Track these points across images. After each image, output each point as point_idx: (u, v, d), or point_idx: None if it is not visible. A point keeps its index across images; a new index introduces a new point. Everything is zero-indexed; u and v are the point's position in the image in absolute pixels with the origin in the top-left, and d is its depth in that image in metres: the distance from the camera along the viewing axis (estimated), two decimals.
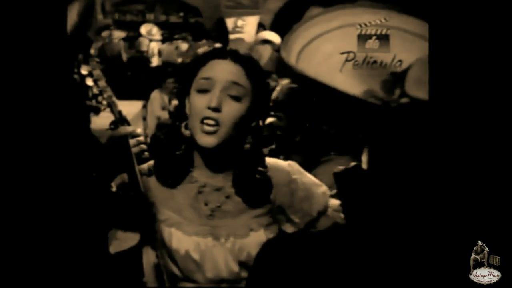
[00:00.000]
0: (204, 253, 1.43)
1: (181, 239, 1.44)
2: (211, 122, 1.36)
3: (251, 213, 1.45)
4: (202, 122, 1.37)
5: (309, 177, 1.51)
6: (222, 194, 1.45)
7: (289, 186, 1.46)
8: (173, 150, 1.46)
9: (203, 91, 1.39)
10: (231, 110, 1.37)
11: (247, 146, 1.44)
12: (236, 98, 1.38)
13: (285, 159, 1.72)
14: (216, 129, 1.36)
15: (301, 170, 1.51)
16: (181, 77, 1.54)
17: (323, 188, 1.50)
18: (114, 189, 1.50)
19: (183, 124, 1.45)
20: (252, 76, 1.41)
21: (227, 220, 1.44)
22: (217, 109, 1.36)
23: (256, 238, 1.41)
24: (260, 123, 1.49)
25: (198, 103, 1.39)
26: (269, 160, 1.49)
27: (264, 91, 1.47)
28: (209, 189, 1.46)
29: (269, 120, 2.10)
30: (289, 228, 1.49)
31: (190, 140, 1.43)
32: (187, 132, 1.43)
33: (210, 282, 1.44)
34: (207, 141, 1.37)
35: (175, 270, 1.47)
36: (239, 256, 1.42)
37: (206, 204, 1.45)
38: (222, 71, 1.40)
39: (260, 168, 1.45)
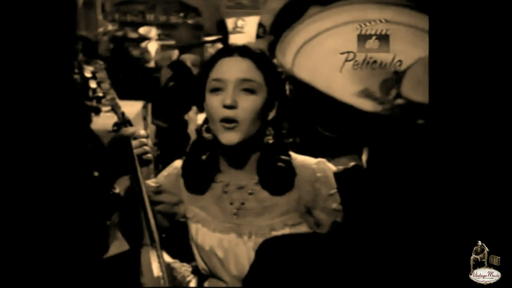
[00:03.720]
0: (227, 250, 1.45)
1: (205, 235, 1.48)
2: (229, 123, 1.38)
3: (275, 212, 1.45)
4: (221, 122, 1.39)
5: None
6: (245, 191, 1.47)
7: (313, 185, 1.46)
8: (198, 155, 1.47)
9: (216, 90, 1.41)
10: (248, 104, 1.39)
11: (269, 138, 1.44)
12: (251, 91, 1.40)
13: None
14: (235, 126, 1.38)
15: (331, 167, 1.49)
16: (195, 84, 1.57)
17: None
18: (117, 190, 1.51)
19: (203, 128, 1.46)
20: (263, 68, 1.42)
21: (251, 218, 1.46)
22: (232, 106, 1.38)
23: None
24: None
25: (213, 103, 1.41)
26: (296, 156, 1.49)
27: (278, 82, 1.46)
28: (233, 188, 1.48)
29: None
30: (319, 230, 1.48)
31: (212, 143, 1.44)
32: (208, 135, 1.45)
33: (234, 279, 1.44)
34: (229, 138, 1.38)
35: (203, 265, 1.50)
36: None
37: (231, 203, 1.47)
38: (232, 69, 1.41)
39: (283, 158, 1.45)
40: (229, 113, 1.38)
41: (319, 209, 1.46)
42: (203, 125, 1.48)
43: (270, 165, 1.44)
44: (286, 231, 1.44)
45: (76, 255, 1.25)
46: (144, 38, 11.17)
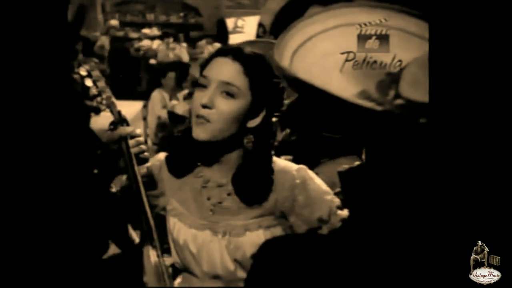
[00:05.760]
0: (201, 246, 1.46)
1: (181, 230, 1.49)
2: (202, 119, 1.40)
3: (251, 213, 1.45)
4: (196, 116, 1.41)
5: (317, 184, 1.48)
6: (224, 190, 1.47)
7: (291, 191, 1.45)
8: (187, 144, 1.48)
9: (201, 87, 1.43)
10: (224, 107, 1.40)
11: (249, 144, 1.44)
12: (230, 95, 1.40)
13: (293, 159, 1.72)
14: (208, 123, 1.40)
15: (310, 175, 1.48)
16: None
17: (330, 197, 1.47)
18: (114, 189, 1.51)
19: None
20: (252, 75, 1.42)
21: (227, 217, 1.46)
22: (207, 106, 1.39)
23: (252, 239, 1.42)
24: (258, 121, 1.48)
25: (196, 98, 1.43)
26: (278, 161, 1.49)
27: (267, 90, 1.46)
28: (212, 185, 1.48)
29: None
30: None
31: None
32: None
33: (206, 276, 1.46)
34: (199, 134, 1.40)
35: (177, 258, 1.52)
36: (234, 255, 1.42)
37: (208, 199, 1.48)
38: (218, 70, 1.42)
39: (263, 169, 1.45)
40: (203, 111, 1.40)
41: (295, 215, 1.47)
42: None
43: (247, 177, 1.45)
44: (260, 232, 1.44)
45: (77, 255, 1.25)
46: (146, 36, 11.18)
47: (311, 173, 1.49)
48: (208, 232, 1.46)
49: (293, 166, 1.49)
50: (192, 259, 1.47)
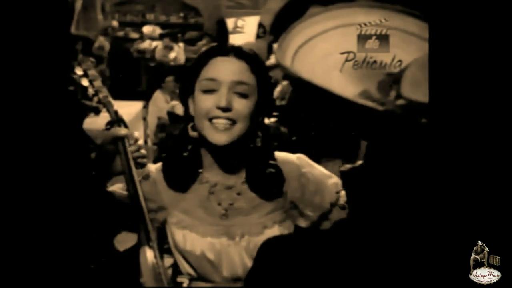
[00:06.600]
0: (219, 252, 1.43)
1: (195, 241, 1.44)
2: (223, 121, 1.36)
3: (264, 210, 1.45)
4: (210, 120, 1.36)
5: (319, 169, 1.50)
6: (233, 191, 1.45)
7: (299, 180, 1.46)
8: (180, 152, 1.46)
9: (209, 91, 1.38)
10: (241, 107, 1.37)
11: (258, 140, 1.44)
12: (244, 95, 1.38)
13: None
14: (230, 127, 1.36)
15: (311, 162, 1.51)
16: (182, 77, 1.52)
17: (334, 179, 1.49)
18: (109, 189, 1.50)
19: (189, 126, 1.45)
20: (257, 72, 1.41)
21: (241, 218, 1.44)
22: (227, 109, 1.36)
23: (269, 235, 1.40)
24: (265, 119, 1.49)
25: (205, 103, 1.38)
26: (278, 154, 1.49)
27: (268, 85, 1.46)
28: (220, 188, 1.46)
29: (272, 120, 2.10)
30: (303, 223, 1.49)
31: (197, 141, 1.43)
32: (194, 133, 1.43)
33: (226, 281, 1.44)
34: (219, 138, 1.36)
35: (190, 270, 1.47)
36: (254, 254, 1.41)
37: (219, 204, 1.45)
38: (226, 71, 1.38)
39: (271, 162, 1.45)
40: (223, 114, 1.36)
41: (305, 203, 1.47)
42: (190, 123, 1.45)
43: (260, 172, 1.44)
44: (276, 228, 1.44)
45: (76, 254, 1.25)
46: (147, 37, 11.18)
47: (310, 160, 1.51)
48: (225, 237, 1.43)
49: (292, 156, 1.50)
50: (210, 267, 1.44)
